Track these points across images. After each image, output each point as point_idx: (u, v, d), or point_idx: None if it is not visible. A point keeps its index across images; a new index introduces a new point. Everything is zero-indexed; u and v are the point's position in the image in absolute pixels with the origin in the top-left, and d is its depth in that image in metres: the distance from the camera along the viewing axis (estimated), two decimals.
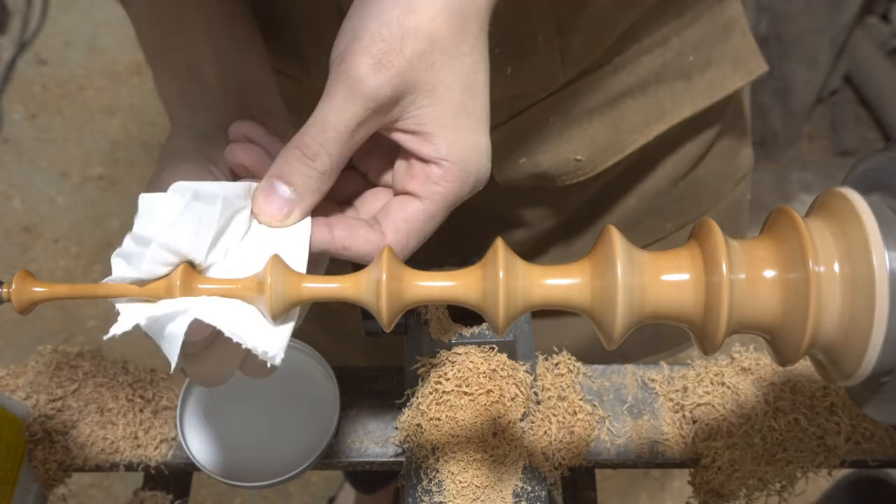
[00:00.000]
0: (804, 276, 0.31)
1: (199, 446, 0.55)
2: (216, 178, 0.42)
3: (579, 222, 0.68)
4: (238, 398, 0.58)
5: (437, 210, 0.39)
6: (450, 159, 0.37)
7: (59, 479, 0.56)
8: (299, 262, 0.37)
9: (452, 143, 0.37)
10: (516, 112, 0.57)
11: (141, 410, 0.57)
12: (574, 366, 0.58)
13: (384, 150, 0.42)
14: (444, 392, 0.53)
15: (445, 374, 0.53)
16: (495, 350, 0.53)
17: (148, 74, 2.05)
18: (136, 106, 2.01)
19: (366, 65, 0.35)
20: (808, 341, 0.31)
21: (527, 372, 0.54)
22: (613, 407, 0.58)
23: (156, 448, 0.56)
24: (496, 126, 0.57)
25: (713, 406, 0.55)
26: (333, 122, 0.36)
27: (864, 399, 0.35)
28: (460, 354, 0.53)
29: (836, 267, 0.31)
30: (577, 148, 0.59)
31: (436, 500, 0.51)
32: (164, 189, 0.37)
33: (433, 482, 0.52)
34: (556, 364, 0.58)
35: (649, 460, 0.57)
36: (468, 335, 0.53)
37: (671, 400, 0.57)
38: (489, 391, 0.52)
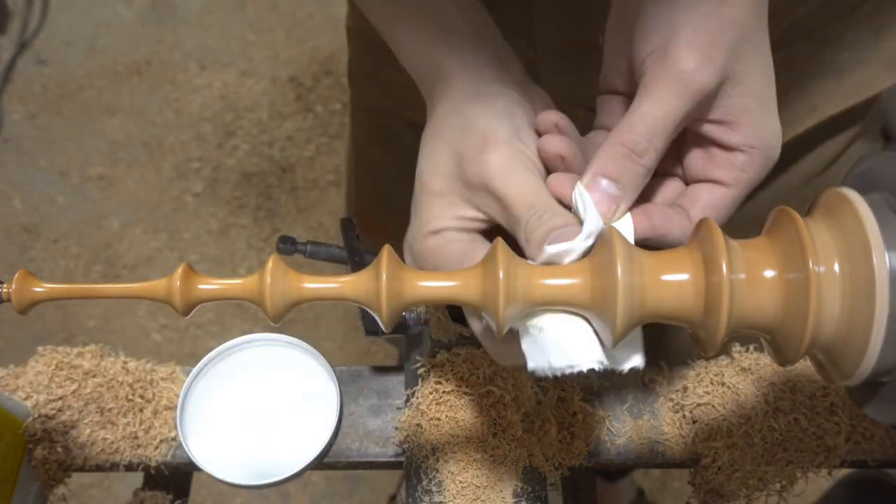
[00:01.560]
0: (804, 276, 0.31)
1: (199, 446, 0.55)
2: (531, 159, 0.39)
3: None
4: (238, 398, 0.58)
5: (742, 196, 0.39)
6: (757, 146, 0.38)
7: (59, 479, 0.56)
8: None
9: (759, 131, 0.38)
10: None
11: (141, 410, 0.57)
12: None
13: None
14: (444, 392, 0.53)
15: (445, 374, 0.53)
16: None
17: (148, 74, 2.05)
18: (136, 106, 2.01)
19: (693, 59, 0.35)
20: (808, 341, 0.31)
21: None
22: (613, 407, 0.58)
23: (156, 448, 0.56)
24: None
25: (713, 406, 0.55)
26: (661, 118, 0.36)
27: (864, 399, 0.35)
28: (460, 354, 0.53)
29: (836, 267, 0.31)
30: None
31: (436, 500, 0.51)
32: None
33: (433, 482, 0.52)
34: None
35: (649, 460, 0.57)
36: (468, 335, 0.53)
37: (671, 400, 0.57)
38: (489, 391, 0.52)
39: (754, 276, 0.32)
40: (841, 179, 0.35)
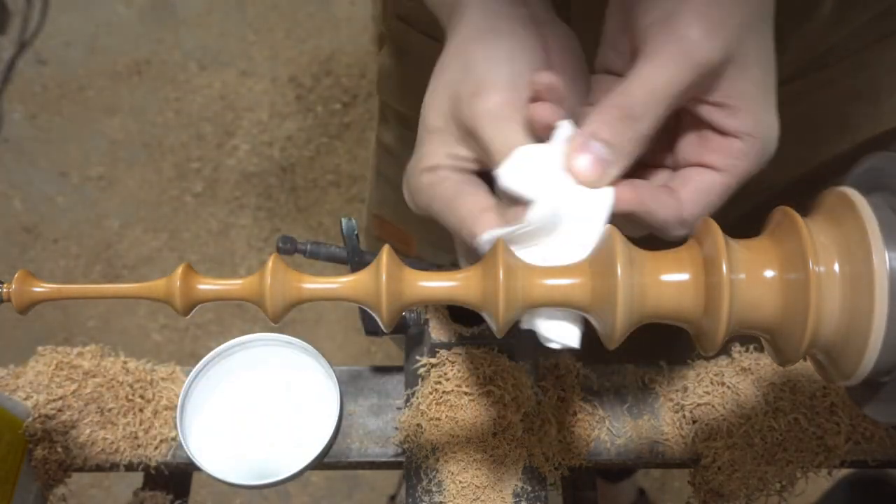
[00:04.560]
0: (804, 276, 0.31)
1: (199, 446, 0.55)
2: (522, 110, 0.38)
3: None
4: (238, 398, 0.58)
5: (734, 185, 0.37)
6: (754, 135, 0.36)
7: (59, 479, 0.56)
8: (596, 227, 0.36)
9: (757, 119, 0.36)
10: None
11: (141, 410, 0.57)
12: (574, 366, 0.58)
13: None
14: (444, 392, 0.53)
15: (445, 374, 0.53)
16: (495, 350, 0.53)
17: (148, 74, 2.05)
18: (136, 106, 2.01)
19: (701, 28, 0.34)
20: (808, 341, 0.31)
21: (527, 372, 0.54)
22: (613, 407, 0.58)
23: (156, 448, 0.56)
24: None
25: (713, 406, 0.55)
26: (662, 85, 0.34)
27: (864, 399, 0.35)
28: (460, 354, 0.53)
29: (836, 267, 0.31)
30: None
31: (436, 500, 0.51)
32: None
33: (433, 482, 0.52)
34: (556, 364, 0.58)
35: (649, 460, 0.56)
36: (468, 335, 0.53)
37: (671, 400, 0.57)
38: (489, 391, 0.52)
39: (754, 276, 0.32)
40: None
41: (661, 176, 0.40)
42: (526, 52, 0.39)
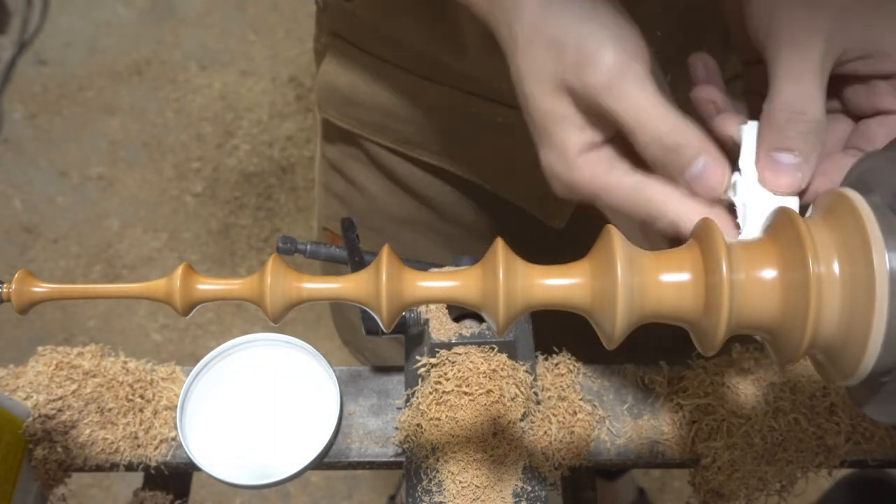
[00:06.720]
0: (804, 277, 0.31)
1: (199, 446, 0.55)
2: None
3: None
4: (238, 398, 0.58)
5: None
6: None
7: (59, 479, 0.56)
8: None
9: None
10: None
11: (141, 410, 0.57)
12: (574, 366, 0.58)
13: None
14: (444, 392, 0.53)
15: (445, 374, 0.53)
16: (495, 350, 0.53)
17: (148, 74, 2.05)
18: (136, 106, 2.01)
19: (833, 17, 0.36)
20: (808, 342, 0.31)
21: (527, 372, 0.54)
22: (613, 407, 0.58)
23: (156, 448, 0.56)
24: None
25: (713, 406, 0.55)
26: (812, 69, 0.36)
27: (864, 399, 0.35)
28: (460, 354, 0.53)
29: (836, 267, 0.31)
30: None
31: (436, 500, 0.51)
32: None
33: (433, 482, 0.52)
34: (556, 364, 0.58)
35: (649, 460, 0.57)
36: (468, 335, 0.53)
37: (671, 400, 0.57)
38: (489, 391, 0.52)
39: (754, 276, 0.32)
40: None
41: (838, 126, 0.41)
42: (609, 11, 0.38)
